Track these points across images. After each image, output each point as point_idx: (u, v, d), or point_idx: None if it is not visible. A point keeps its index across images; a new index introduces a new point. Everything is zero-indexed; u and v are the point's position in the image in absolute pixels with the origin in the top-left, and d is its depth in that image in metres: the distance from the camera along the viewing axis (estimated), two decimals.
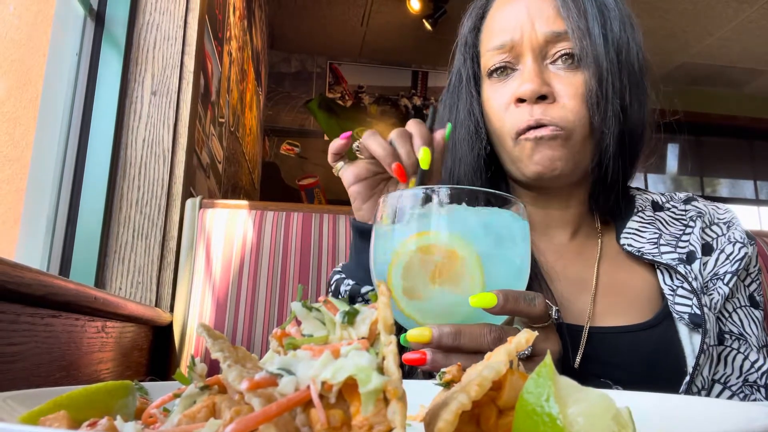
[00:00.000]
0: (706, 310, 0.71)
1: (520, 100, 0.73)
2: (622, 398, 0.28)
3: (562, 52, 0.73)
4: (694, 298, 0.72)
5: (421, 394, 0.38)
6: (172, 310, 1.16)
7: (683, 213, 0.83)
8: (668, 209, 0.84)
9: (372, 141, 0.67)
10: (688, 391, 0.69)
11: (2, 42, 0.93)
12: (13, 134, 0.96)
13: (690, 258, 0.76)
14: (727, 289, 0.75)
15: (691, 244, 0.78)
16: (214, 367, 0.88)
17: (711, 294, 0.75)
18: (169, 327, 1.13)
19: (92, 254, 1.14)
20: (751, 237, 0.80)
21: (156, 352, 1.12)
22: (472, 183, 0.80)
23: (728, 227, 0.81)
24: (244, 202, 1.20)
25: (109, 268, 1.17)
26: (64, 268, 1.10)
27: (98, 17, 1.23)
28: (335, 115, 4.20)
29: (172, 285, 1.20)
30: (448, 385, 0.35)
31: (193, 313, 1.11)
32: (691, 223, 0.81)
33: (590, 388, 0.25)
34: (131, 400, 0.35)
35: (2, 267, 0.52)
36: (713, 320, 0.72)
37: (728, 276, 0.75)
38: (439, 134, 0.73)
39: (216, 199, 1.22)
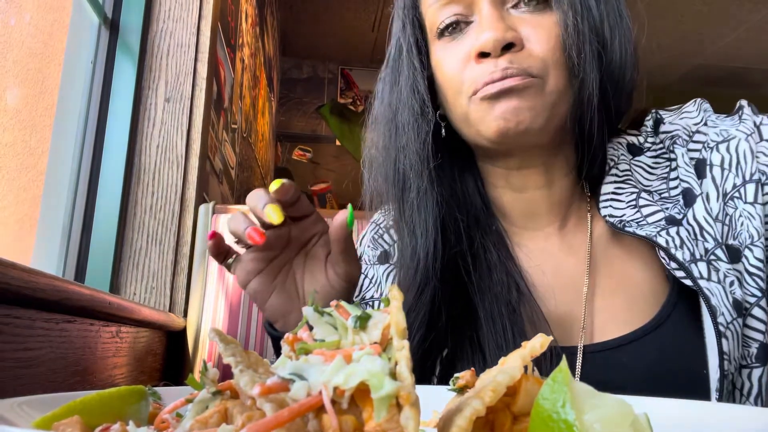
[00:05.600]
0: (704, 283, 0.56)
1: (482, 55, 0.59)
2: (640, 404, 0.28)
3: None
4: (685, 272, 0.57)
5: (435, 399, 0.38)
6: (185, 315, 1.17)
7: (661, 146, 0.67)
8: (648, 148, 0.68)
9: (230, 223, 0.55)
10: (724, 392, 0.55)
11: (19, 51, 0.94)
12: (30, 142, 0.98)
13: (688, 198, 0.61)
14: (758, 208, 0.58)
15: (682, 180, 0.62)
16: (227, 372, 0.89)
17: (739, 233, 0.58)
18: (183, 332, 1.14)
19: (107, 260, 1.15)
20: (745, 113, 0.64)
21: (170, 357, 1.13)
22: (419, 174, 0.66)
23: (706, 124, 0.65)
24: None
25: (124, 274, 1.18)
26: (79, 273, 1.11)
27: (112, 25, 1.25)
28: (347, 120, 4.22)
29: (186, 290, 1.20)
30: (461, 390, 0.34)
31: (206, 318, 1.12)
32: (672, 155, 0.65)
33: (607, 394, 0.25)
34: (144, 405, 0.35)
35: (18, 272, 0.52)
36: (721, 290, 0.56)
37: (745, 187, 0.58)
38: (341, 216, 0.56)
39: (229, 204, 1.22)
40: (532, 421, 0.25)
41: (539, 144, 0.63)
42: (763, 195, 0.59)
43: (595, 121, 0.61)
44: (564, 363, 0.26)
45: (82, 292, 0.67)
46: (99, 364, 0.77)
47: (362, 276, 0.76)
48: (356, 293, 0.76)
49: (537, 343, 0.30)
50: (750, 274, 0.58)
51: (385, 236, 0.77)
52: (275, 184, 0.53)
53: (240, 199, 2.16)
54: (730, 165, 0.60)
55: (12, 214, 0.94)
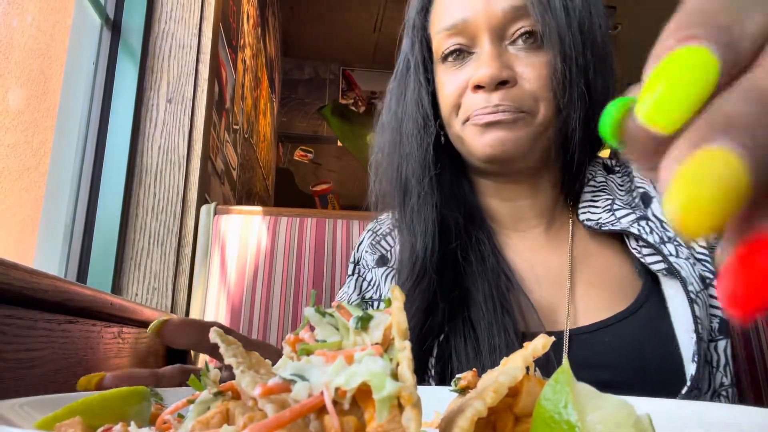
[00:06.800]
0: (673, 259, 0.64)
1: (478, 87, 0.66)
2: (641, 405, 0.28)
3: (522, 30, 0.66)
4: (658, 254, 0.65)
5: (436, 400, 0.37)
6: (187, 316, 1.17)
7: (625, 168, 0.77)
8: (617, 171, 0.77)
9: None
10: (701, 360, 0.61)
11: (21, 52, 0.94)
12: (32, 143, 0.98)
13: (646, 200, 0.70)
14: None
15: (638, 186, 0.71)
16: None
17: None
18: None
19: (109, 261, 1.15)
20: None
21: (171, 358, 1.13)
22: (420, 181, 0.72)
23: None
24: (258, 208, 1.21)
25: (126, 275, 1.18)
26: (81, 274, 1.11)
27: (114, 26, 1.25)
28: (348, 121, 4.22)
29: (188, 291, 1.20)
30: (463, 391, 0.34)
31: (208, 319, 1.12)
32: (629, 169, 0.76)
33: (609, 395, 0.25)
34: (146, 405, 0.35)
35: (20, 273, 0.52)
36: (688, 265, 0.65)
37: None
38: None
39: (230, 205, 1.23)
40: (534, 422, 0.25)
41: (526, 165, 0.70)
42: None
43: (577, 149, 0.69)
44: (566, 363, 0.26)
45: (84, 292, 0.67)
46: (101, 365, 0.77)
47: (361, 279, 0.83)
48: (357, 293, 0.82)
49: (539, 344, 0.30)
50: (699, 260, 0.68)
51: (382, 242, 0.83)
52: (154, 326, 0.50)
53: (242, 200, 2.16)
54: None
55: (14, 215, 0.94)
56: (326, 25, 3.89)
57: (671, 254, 0.65)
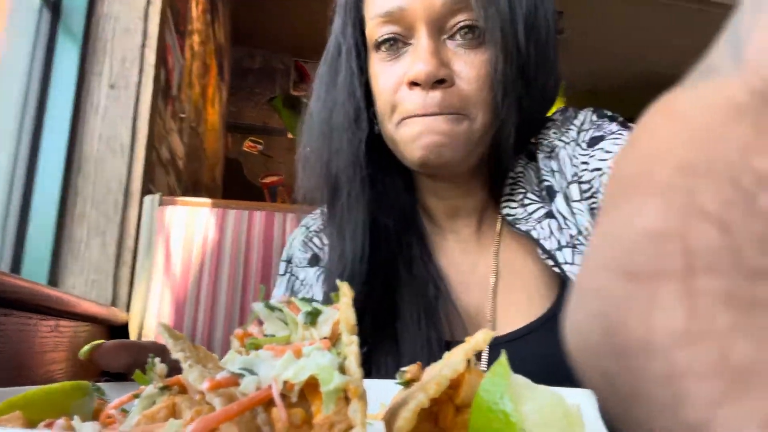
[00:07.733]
0: (567, 267, 0.61)
1: (414, 84, 0.61)
2: (573, 395, 0.30)
3: (462, 24, 0.61)
4: (553, 260, 0.61)
5: (382, 392, 0.38)
6: (128, 309, 1.14)
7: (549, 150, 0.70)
8: (542, 150, 0.70)
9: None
10: None
11: None
12: None
13: (551, 194, 0.65)
14: (584, 204, 0.63)
15: (544, 180, 0.67)
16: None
17: (578, 223, 0.63)
18: (126, 327, 1.11)
19: (45, 251, 1.10)
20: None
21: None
22: (351, 179, 0.67)
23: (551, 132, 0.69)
24: (206, 200, 1.18)
25: (63, 266, 1.14)
26: (15, 264, 1.07)
27: (54, 7, 1.19)
28: (300, 113, 4.17)
29: (129, 284, 1.17)
30: (408, 383, 0.35)
31: (150, 313, 1.09)
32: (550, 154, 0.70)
33: (542, 386, 0.26)
34: (88, 400, 0.35)
35: None
36: None
37: (569, 188, 0.63)
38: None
39: (176, 196, 1.20)
40: (473, 412, 0.26)
41: (461, 169, 0.67)
42: (582, 192, 0.64)
43: (510, 152, 0.66)
44: (504, 357, 0.27)
45: (19, 284, 0.64)
46: (37, 359, 0.74)
47: (293, 278, 0.78)
48: (288, 295, 0.76)
49: (480, 338, 0.32)
50: None
51: (315, 239, 0.78)
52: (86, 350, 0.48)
53: (188, 191, 2.11)
54: (559, 169, 0.66)
55: None
56: (278, 14, 3.83)
57: (566, 261, 0.61)
